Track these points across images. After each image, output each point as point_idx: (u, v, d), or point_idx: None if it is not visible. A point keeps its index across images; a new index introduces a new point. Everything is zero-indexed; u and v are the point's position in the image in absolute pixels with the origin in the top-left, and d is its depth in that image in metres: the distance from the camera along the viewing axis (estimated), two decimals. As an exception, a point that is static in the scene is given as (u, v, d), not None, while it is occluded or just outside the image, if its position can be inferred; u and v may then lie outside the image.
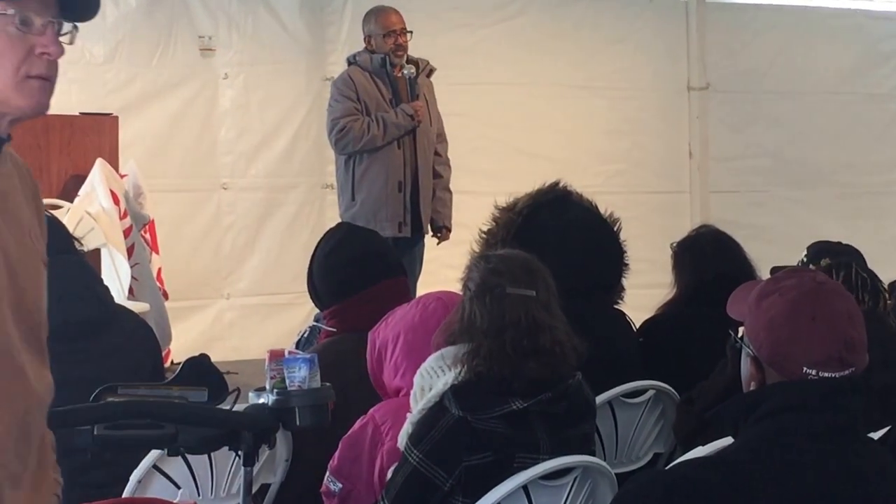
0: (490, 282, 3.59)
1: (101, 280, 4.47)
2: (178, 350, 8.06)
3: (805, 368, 2.64)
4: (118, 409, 3.26)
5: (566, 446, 3.55)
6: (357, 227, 5.26)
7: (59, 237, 4.40)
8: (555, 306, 3.64)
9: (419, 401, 3.56)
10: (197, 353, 4.05)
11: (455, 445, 3.44)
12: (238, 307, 9.68)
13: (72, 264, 4.32)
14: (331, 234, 4.80)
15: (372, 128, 7.57)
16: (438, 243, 7.96)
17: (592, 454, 3.75)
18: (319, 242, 4.74)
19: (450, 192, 8.03)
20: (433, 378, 3.57)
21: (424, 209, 7.78)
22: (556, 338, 3.56)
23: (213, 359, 8.40)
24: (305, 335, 4.95)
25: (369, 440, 3.75)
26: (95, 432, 3.25)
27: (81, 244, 4.52)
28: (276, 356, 3.38)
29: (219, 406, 3.44)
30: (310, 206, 9.78)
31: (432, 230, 7.92)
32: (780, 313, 2.69)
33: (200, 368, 3.65)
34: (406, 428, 3.55)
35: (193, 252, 9.41)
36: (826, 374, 2.64)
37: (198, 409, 3.34)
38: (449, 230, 7.93)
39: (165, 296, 8.23)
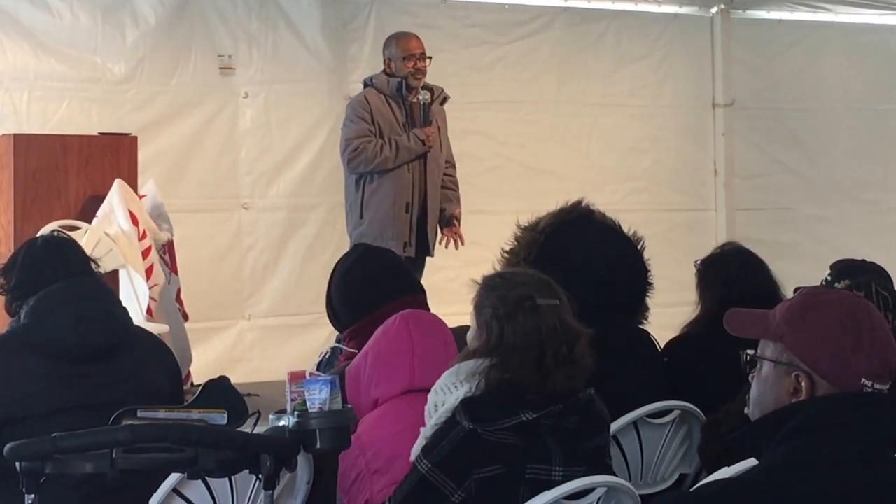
0: (515, 295, 3.57)
1: (119, 302, 4.44)
2: (199, 372, 8.02)
3: (863, 380, 2.63)
4: (137, 432, 3.23)
5: (579, 459, 3.54)
6: (373, 247, 5.26)
7: (76, 259, 4.38)
8: (575, 316, 3.64)
9: (432, 416, 3.57)
10: (217, 375, 4.04)
11: (465, 457, 3.45)
12: (259, 328, 9.64)
13: (89, 286, 4.30)
14: (347, 254, 4.82)
15: (384, 150, 7.69)
16: (446, 245, 7.96)
17: (608, 468, 3.75)
18: (337, 264, 4.75)
19: (458, 200, 8.09)
20: (446, 394, 3.57)
21: (431, 231, 7.90)
22: (583, 347, 3.58)
23: (234, 380, 8.41)
24: (327, 356, 4.94)
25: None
26: (114, 456, 3.22)
27: (98, 265, 4.49)
28: (297, 378, 3.35)
29: (239, 429, 3.41)
30: (331, 225, 9.73)
31: (440, 226, 7.98)
32: (835, 325, 2.68)
33: (220, 391, 3.62)
34: (419, 441, 3.56)
35: (214, 273, 9.37)
36: (878, 387, 2.64)
37: (217, 432, 3.31)
38: (457, 220, 7.97)
39: (185, 317, 8.19)
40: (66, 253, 4.42)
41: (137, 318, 7.27)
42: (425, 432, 3.56)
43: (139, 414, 3.36)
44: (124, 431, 3.22)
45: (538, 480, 3.48)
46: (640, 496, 3.72)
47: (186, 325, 8.18)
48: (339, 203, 9.64)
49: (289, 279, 9.60)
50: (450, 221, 7.97)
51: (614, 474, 4.15)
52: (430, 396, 3.62)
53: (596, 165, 10.45)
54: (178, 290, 8.27)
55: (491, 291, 3.63)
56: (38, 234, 5.05)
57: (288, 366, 4.49)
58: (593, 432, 3.64)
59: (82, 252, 4.48)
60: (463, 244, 8.01)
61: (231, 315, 9.51)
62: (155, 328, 7.33)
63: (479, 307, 3.63)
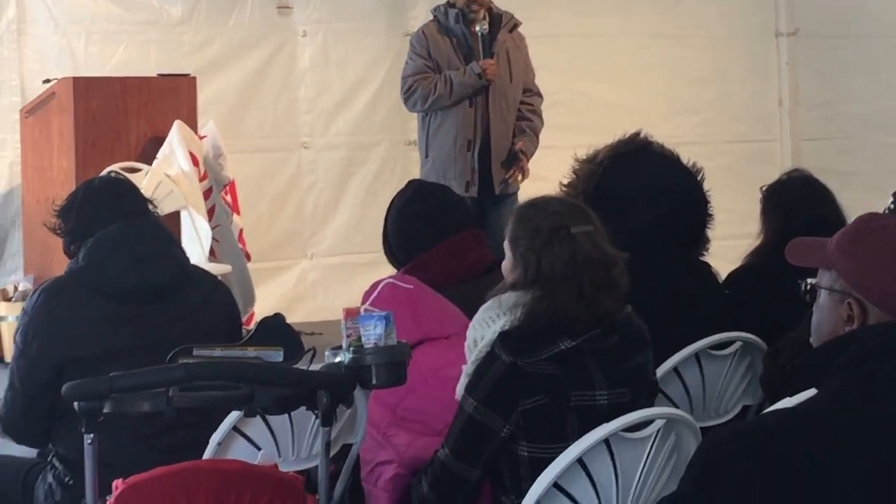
0: (550, 224, 3.54)
1: (177, 242, 4.43)
2: (262, 312, 8.01)
3: None
4: (192, 370, 3.22)
5: (621, 380, 3.54)
6: (428, 183, 5.23)
7: (133, 200, 4.38)
8: (609, 241, 3.60)
9: (472, 352, 3.55)
10: (277, 314, 4.03)
11: (508, 391, 3.44)
12: (321, 267, 9.64)
13: (146, 226, 4.29)
14: (402, 191, 4.78)
15: (438, 87, 7.50)
16: (510, 178, 7.73)
17: (654, 384, 3.78)
18: (392, 200, 4.72)
19: (535, 134, 7.86)
20: (484, 328, 3.56)
21: (496, 170, 7.63)
22: (620, 270, 3.56)
23: (297, 320, 8.46)
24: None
25: None
26: (170, 394, 3.21)
27: (155, 206, 4.48)
28: (352, 314, 3.34)
29: (294, 366, 3.39)
30: (392, 163, 9.71)
31: (506, 163, 7.71)
32: (887, 251, 2.64)
33: (276, 328, 3.61)
34: (462, 379, 3.55)
35: (275, 212, 9.38)
36: None
37: (273, 368, 3.30)
38: (523, 153, 7.72)
39: (248, 257, 8.21)
40: (123, 194, 4.41)
41: (200, 259, 7.31)
42: (467, 369, 3.55)
43: (195, 352, 3.36)
44: (179, 370, 3.21)
45: (583, 407, 3.47)
46: (704, 429, 3.68)
47: (249, 265, 8.21)
48: (400, 141, 9.64)
49: (350, 218, 9.59)
50: (515, 156, 7.70)
51: (667, 397, 4.14)
52: (469, 332, 3.60)
53: (661, 98, 10.33)
54: (241, 231, 8.30)
55: (525, 223, 3.60)
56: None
57: (351, 304, 4.49)
58: (634, 351, 3.63)
59: (139, 193, 4.47)
60: (524, 178, 7.77)
61: (293, 254, 9.52)
62: (217, 269, 7.36)
63: (513, 240, 3.60)
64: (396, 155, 9.70)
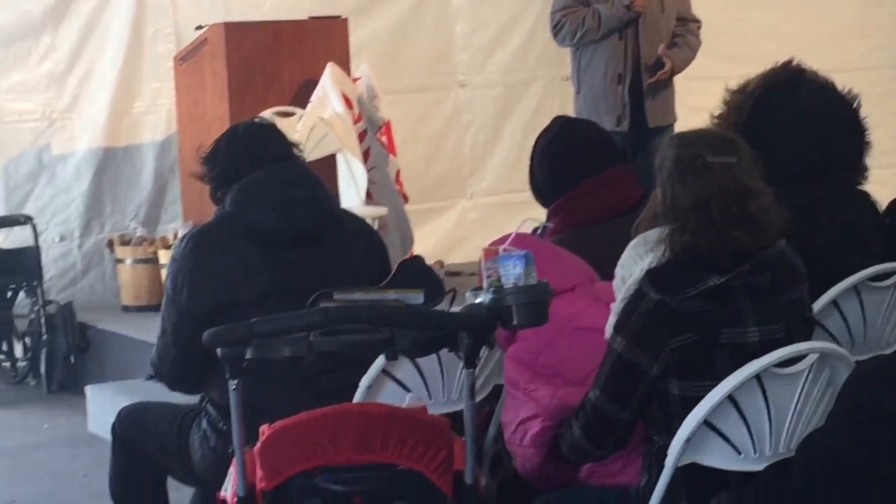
0: (687, 154, 3.47)
1: (324, 185, 4.39)
2: (422, 253, 8.01)
3: None
4: (331, 314, 3.20)
5: (775, 316, 3.46)
6: (573, 119, 5.14)
7: (277, 144, 4.36)
8: (758, 175, 3.49)
9: (620, 290, 3.50)
10: (437, 257, 3.99)
11: (656, 329, 3.38)
12: (481, 207, 9.63)
13: (292, 171, 4.28)
14: (548, 128, 4.71)
15: (587, 21, 7.38)
16: (653, 81, 7.54)
17: (810, 321, 3.67)
18: (538, 138, 4.65)
19: (689, 47, 7.69)
20: (631, 266, 3.50)
21: (648, 103, 7.50)
22: (762, 205, 3.44)
23: (458, 260, 8.46)
24: (539, 232, 4.88)
25: None
26: (311, 339, 3.20)
27: (301, 150, 4.45)
28: (491, 254, 3.29)
29: (435, 308, 3.36)
30: (550, 99, 9.64)
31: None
32: None
33: (416, 270, 3.57)
34: (610, 319, 3.49)
35: (432, 153, 9.38)
36: None
37: (412, 311, 3.27)
38: (668, 59, 7.53)
39: (405, 199, 8.22)
40: (268, 138, 4.39)
41: (356, 202, 7.33)
42: (615, 307, 3.49)
43: (335, 296, 3.34)
44: (318, 314, 3.20)
45: (734, 344, 3.41)
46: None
47: (406, 206, 8.21)
48: (558, 77, 9.55)
49: (509, 155, 9.54)
50: (658, 61, 7.52)
51: (826, 331, 4.02)
52: (617, 270, 3.55)
53: (831, 22, 10.07)
54: (397, 172, 8.30)
55: (668, 151, 3.53)
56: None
57: (512, 243, 4.45)
58: (787, 286, 3.54)
59: (284, 137, 4.44)
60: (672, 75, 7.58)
61: (452, 195, 9.52)
62: (374, 211, 7.37)
63: (658, 168, 3.53)
64: (554, 91, 9.62)
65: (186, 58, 7.96)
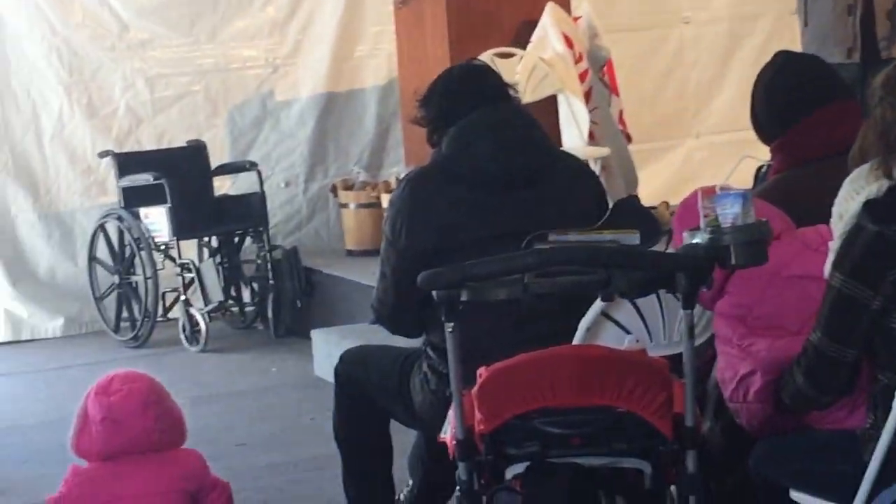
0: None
1: (540, 126, 4.34)
2: (647, 194, 7.92)
3: None
4: (545, 256, 3.16)
5: None
6: (796, 53, 4.96)
7: (493, 86, 4.32)
8: None
9: (837, 227, 3.37)
10: (662, 199, 3.91)
11: (875, 260, 3.23)
12: (707, 146, 9.47)
13: (508, 112, 4.24)
14: (769, 63, 4.54)
15: None
16: None
17: None
18: (759, 73, 4.50)
19: None
20: (848, 202, 3.36)
21: (881, 33, 7.15)
22: None
23: (685, 201, 8.22)
24: (763, 171, 4.77)
25: None
26: (526, 281, 3.16)
27: (517, 91, 4.41)
28: (708, 193, 3.20)
29: (651, 248, 3.29)
30: (778, 35, 9.39)
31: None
32: None
33: (631, 210, 3.50)
34: (829, 256, 3.35)
35: (656, 92, 9.25)
36: None
37: (628, 251, 3.21)
38: None
39: (628, 139, 8.11)
40: (484, 80, 4.36)
41: (577, 142, 7.26)
42: (833, 245, 3.36)
43: (550, 237, 3.30)
44: (532, 256, 3.16)
45: None
46: None
47: (630, 147, 8.10)
48: (785, 10, 9.28)
49: (736, 93, 9.32)
50: None
51: None
52: (834, 209, 3.41)
53: None
54: (620, 112, 8.19)
55: (877, 77, 3.38)
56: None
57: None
58: None
59: (500, 78, 4.40)
60: None
61: (677, 134, 9.39)
62: (596, 152, 7.30)
63: (870, 97, 3.38)
64: (782, 26, 9.37)
65: (406, 1, 7.97)
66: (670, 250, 3.30)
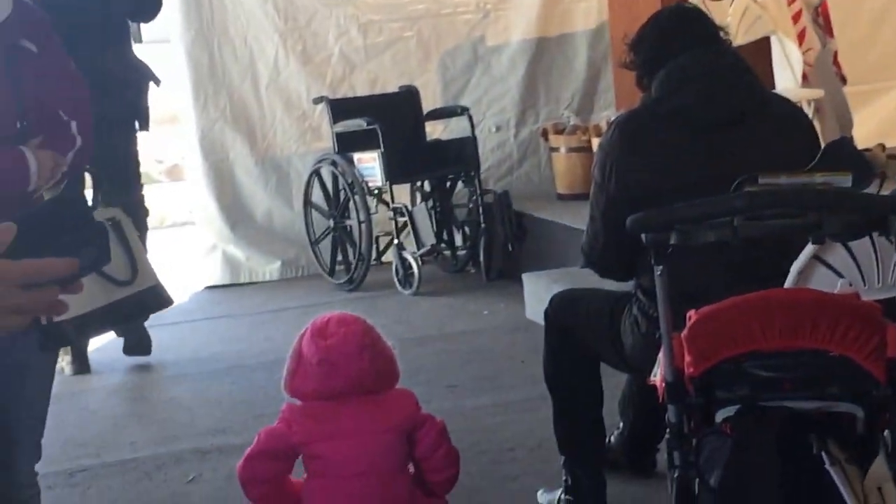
0: None
1: (750, 69, 4.29)
2: (862, 137, 7.76)
3: None
4: (754, 199, 3.14)
5: None
6: None
7: (703, 28, 4.30)
8: None
9: None
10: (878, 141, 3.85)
11: None
12: (926, 86, 9.23)
13: (718, 55, 4.21)
14: None
15: None
16: None
17: None
18: None
19: None
20: None
21: None
22: None
23: (896, 144, 8.05)
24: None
25: None
26: (735, 224, 3.15)
27: (727, 33, 4.37)
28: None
29: (864, 191, 3.24)
30: None
31: None
32: None
33: (844, 152, 3.45)
34: None
35: (873, 32, 9.02)
36: None
37: (839, 194, 3.16)
38: None
39: (843, 80, 7.95)
40: (692, 22, 4.33)
41: (791, 84, 7.16)
42: None
43: (760, 180, 3.27)
44: (741, 199, 3.15)
45: None
46: None
47: (845, 88, 7.95)
48: None
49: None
50: None
51: None
52: None
53: None
54: (835, 54, 8.04)
55: None
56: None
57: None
58: None
59: (709, 20, 4.37)
60: None
61: (894, 75, 9.14)
62: (810, 94, 7.19)
63: None
64: None
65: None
66: (884, 192, 3.24)
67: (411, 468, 3.81)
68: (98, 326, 4.17)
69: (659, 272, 3.21)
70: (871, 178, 3.38)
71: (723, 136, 4.07)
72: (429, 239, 8.73)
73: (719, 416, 3.25)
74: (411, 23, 9.39)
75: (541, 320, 4.73)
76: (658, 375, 3.36)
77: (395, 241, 8.73)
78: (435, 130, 9.22)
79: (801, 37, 7.44)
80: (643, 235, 3.20)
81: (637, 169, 4.09)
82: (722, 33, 4.33)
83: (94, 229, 1.68)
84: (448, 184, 8.92)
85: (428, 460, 3.77)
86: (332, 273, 9.14)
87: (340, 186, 8.93)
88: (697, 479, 3.18)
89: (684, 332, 3.24)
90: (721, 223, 3.17)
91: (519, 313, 7.67)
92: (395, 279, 8.63)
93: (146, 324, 7.23)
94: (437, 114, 9.05)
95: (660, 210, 3.18)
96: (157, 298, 4.14)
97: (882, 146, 8.12)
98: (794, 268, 3.82)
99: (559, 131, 8.79)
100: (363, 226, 8.64)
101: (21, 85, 3.40)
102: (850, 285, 3.76)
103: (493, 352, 7.06)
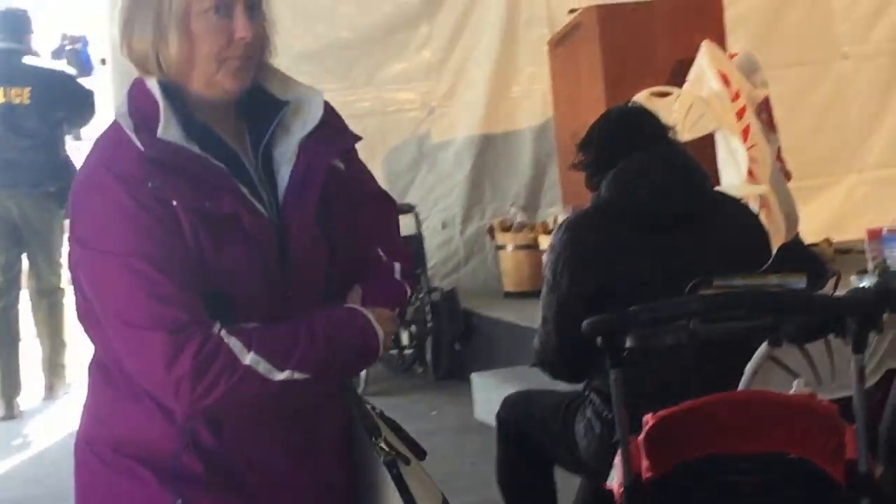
0: None
1: (699, 167, 4.30)
2: (808, 232, 7.80)
3: None
4: (711, 301, 3.13)
5: None
6: None
7: (652, 127, 4.30)
8: None
9: None
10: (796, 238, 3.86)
11: None
12: (870, 182, 9.32)
13: (667, 154, 4.21)
14: None
15: None
16: None
17: None
18: None
19: None
20: None
21: None
22: None
23: (848, 238, 8.17)
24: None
25: None
26: (691, 326, 3.14)
27: (675, 132, 4.37)
28: (875, 235, 3.15)
29: (819, 292, 3.24)
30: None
31: None
32: None
33: (797, 253, 3.45)
34: None
35: (816, 127, 9.12)
36: None
37: (795, 296, 3.16)
38: None
39: (788, 176, 7.99)
40: (642, 123, 4.33)
41: (737, 181, 7.18)
42: None
43: (715, 282, 3.26)
44: (699, 301, 3.14)
45: None
46: None
47: (790, 184, 7.99)
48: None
49: (897, 127, 9.23)
50: None
51: None
52: None
53: None
54: (779, 149, 8.08)
55: None
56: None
57: (902, 219, 4.27)
58: None
59: (658, 120, 4.37)
60: None
61: (838, 170, 9.24)
62: (756, 190, 7.20)
63: None
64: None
65: (560, 42, 7.98)
66: (838, 293, 3.24)
67: None
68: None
69: (615, 375, 3.19)
70: (826, 279, 3.38)
71: (674, 235, 4.06)
72: (375, 338, 8.64)
73: (678, 521, 3.22)
74: (356, 120, 9.29)
75: (490, 421, 4.69)
76: (615, 479, 3.32)
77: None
78: (381, 228, 9.18)
79: (745, 133, 7.46)
80: (599, 338, 3.17)
81: (589, 269, 4.07)
82: (670, 133, 4.33)
83: None
84: (395, 282, 8.86)
85: None
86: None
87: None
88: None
89: (641, 436, 3.21)
90: (677, 326, 3.15)
91: (467, 414, 7.60)
92: (342, 379, 8.53)
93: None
94: (383, 211, 9.00)
95: (616, 313, 3.15)
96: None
97: (828, 241, 8.17)
98: (749, 368, 3.81)
99: (506, 228, 8.78)
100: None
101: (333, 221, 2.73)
102: (806, 385, 3.74)
103: (442, 454, 6.96)
